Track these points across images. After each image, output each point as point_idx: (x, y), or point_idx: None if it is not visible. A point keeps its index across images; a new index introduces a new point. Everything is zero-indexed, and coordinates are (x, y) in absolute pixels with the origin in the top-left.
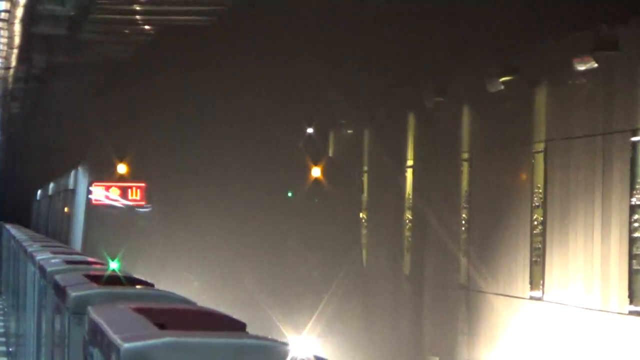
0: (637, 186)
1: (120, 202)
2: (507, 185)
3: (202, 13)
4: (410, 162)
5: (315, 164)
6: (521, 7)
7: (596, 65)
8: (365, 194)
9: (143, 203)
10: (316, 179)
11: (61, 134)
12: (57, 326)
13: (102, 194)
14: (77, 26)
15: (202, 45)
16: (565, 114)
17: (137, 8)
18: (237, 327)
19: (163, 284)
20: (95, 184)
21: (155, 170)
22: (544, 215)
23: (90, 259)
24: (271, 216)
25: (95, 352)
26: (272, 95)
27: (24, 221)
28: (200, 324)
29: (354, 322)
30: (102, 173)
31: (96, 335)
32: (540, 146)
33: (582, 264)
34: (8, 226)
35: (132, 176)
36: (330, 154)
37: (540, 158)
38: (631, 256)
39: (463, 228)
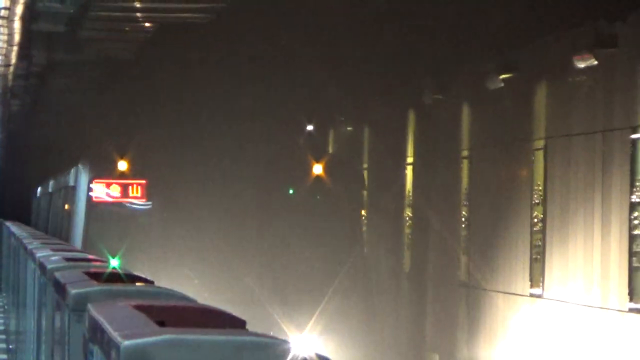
0: (637, 183)
1: (121, 200)
2: (507, 183)
3: (202, 10)
4: (410, 160)
5: (317, 161)
6: (520, 5)
7: (596, 62)
8: (365, 191)
9: (144, 200)
10: (317, 176)
11: (61, 131)
12: (57, 323)
13: (103, 191)
14: (77, 23)
15: (201, 43)
16: (565, 111)
17: (137, 5)
18: (237, 324)
19: (163, 282)
20: (96, 181)
21: (156, 168)
22: (544, 213)
23: (90, 257)
24: (272, 213)
25: (95, 349)
26: (271, 92)
27: (24, 219)
28: (200, 321)
29: (356, 320)
30: (103, 170)
31: (96, 332)
32: (540, 143)
33: (582, 261)
34: (8, 223)
35: (133, 173)
36: (331, 151)
37: (540, 155)
38: (631, 253)
39: (463, 225)
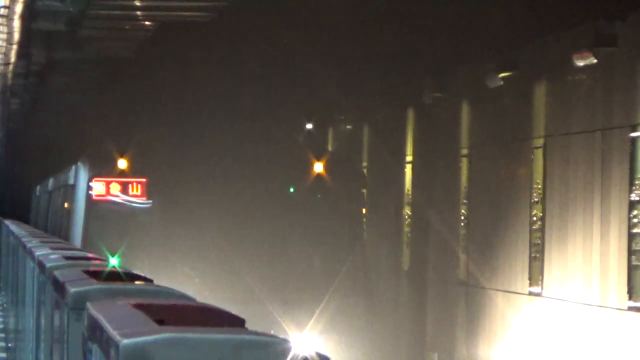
0: (637, 182)
1: (121, 198)
2: (507, 181)
3: (202, 9)
4: (409, 158)
5: (317, 159)
6: (520, 4)
7: (595, 61)
8: (365, 190)
9: (144, 199)
10: (318, 175)
11: (61, 130)
12: (56, 322)
13: (103, 189)
14: (77, 22)
15: (202, 41)
16: (565, 110)
17: (137, 4)
18: (237, 322)
19: (163, 281)
20: (96, 179)
21: (156, 166)
22: (543, 211)
23: (89, 255)
24: (273, 212)
25: (95, 348)
26: (272, 90)
27: (24, 217)
28: (199, 320)
29: (356, 319)
30: (103, 168)
31: (95, 331)
32: (540, 142)
33: (581, 259)
34: (7, 222)
35: (133, 171)
36: (331, 150)
37: (539, 154)
38: (630, 252)
39: (462, 224)
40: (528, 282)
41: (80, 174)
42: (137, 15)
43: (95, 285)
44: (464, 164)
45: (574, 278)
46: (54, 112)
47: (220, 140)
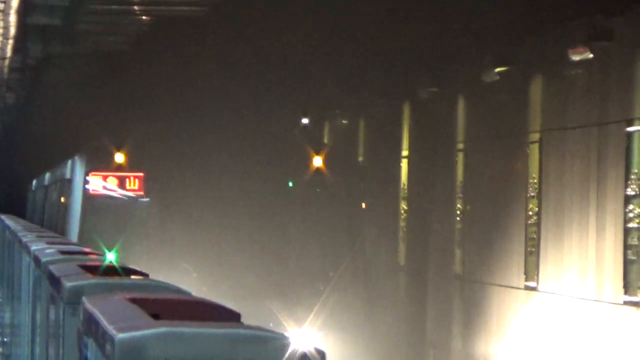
0: (632, 177)
1: (118, 192)
2: (502, 176)
3: (198, 3)
4: (405, 153)
5: (316, 153)
6: None
7: (591, 56)
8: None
9: (141, 193)
10: (317, 169)
11: (57, 124)
12: (52, 316)
13: (100, 183)
14: (73, 16)
15: (198, 35)
16: (561, 105)
17: None
18: (232, 317)
19: (161, 276)
20: (92, 173)
21: (154, 160)
22: (539, 206)
23: (85, 249)
24: (271, 206)
25: (90, 342)
26: (269, 85)
27: (19, 212)
28: (194, 314)
29: (355, 315)
30: (100, 162)
31: (91, 325)
32: (536, 136)
33: (577, 254)
34: (3, 216)
35: (130, 166)
36: (330, 145)
37: (535, 148)
38: (626, 246)
39: (458, 218)
40: (524, 276)
41: (76, 168)
42: (133, 10)
43: (90, 279)
44: (460, 158)
45: (570, 272)
46: (50, 106)
47: (217, 135)
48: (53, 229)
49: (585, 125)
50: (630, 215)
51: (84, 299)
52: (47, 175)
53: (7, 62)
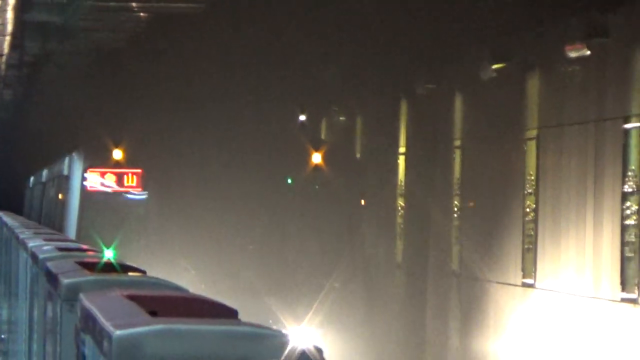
0: (629, 173)
1: (116, 189)
2: (500, 173)
3: (195, 0)
4: (402, 149)
5: (315, 150)
6: None
7: (588, 52)
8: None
9: (139, 190)
10: (316, 165)
11: (55, 121)
12: (49, 313)
13: (97, 180)
14: (70, 13)
15: (196, 32)
16: (558, 101)
17: None
18: (229, 313)
19: (159, 274)
20: (90, 170)
21: (152, 157)
22: (536, 203)
23: (83, 246)
24: (270, 203)
25: (87, 339)
26: (267, 81)
27: (17, 208)
28: (192, 311)
29: (355, 312)
30: (97, 159)
31: (88, 322)
32: (533, 133)
33: (574, 251)
34: (0, 213)
35: (128, 162)
36: (329, 142)
37: (532, 145)
38: (623, 243)
39: (455, 215)
40: (521, 273)
41: (74, 165)
42: (131, 7)
43: (88, 276)
44: (457, 155)
45: (567, 269)
46: (47, 102)
47: (216, 131)
48: (51, 225)
49: (583, 122)
50: (628, 212)
51: (81, 295)
52: (45, 172)
53: (4, 58)
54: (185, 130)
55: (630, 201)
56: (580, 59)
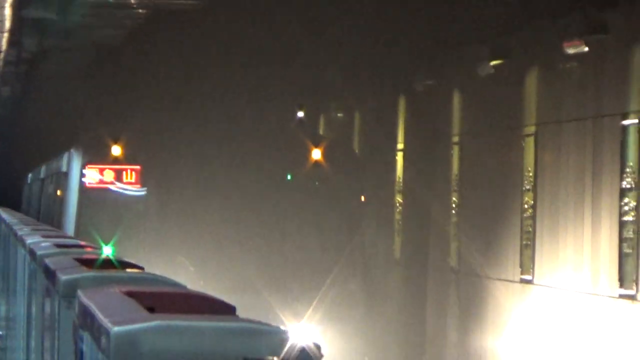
0: (627, 170)
1: (115, 185)
2: (498, 169)
3: None
4: (400, 146)
5: (315, 146)
6: None
7: (586, 49)
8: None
9: (138, 186)
10: (316, 162)
11: (53, 117)
12: (47, 310)
13: (96, 176)
14: (68, 10)
15: (195, 28)
16: (556, 98)
17: None
18: (227, 310)
19: (158, 270)
20: (89, 166)
21: (151, 153)
22: (535, 199)
23: (81, 243)
24: (270, 199)
25: (85, 335)
26: (266, 77)
27: (15, 205)
28: (190, 308)
29: (355, 309)
30: (96, 155)
31: (86, 318)
32: (531, 130)
33: (572, 247)
34: None
35: (127, 158)
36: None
37: (530, 141)
38: (621, 239)
39: (453, 212)
40: (519, 269)
41: (73, 161)
42: (129, 3)
43: (86, 273)
44: (456, 151)
45: (566, 266)
46: (45, 99)
47: (215, 127)
48: (49, 222)
49: (581, 119)
50: (626, 208)
51: (79, 292)
52: (43, 168)
53: (2, 55)
54: (184, 126)
55: (628, 197)
56: (578, 56)
